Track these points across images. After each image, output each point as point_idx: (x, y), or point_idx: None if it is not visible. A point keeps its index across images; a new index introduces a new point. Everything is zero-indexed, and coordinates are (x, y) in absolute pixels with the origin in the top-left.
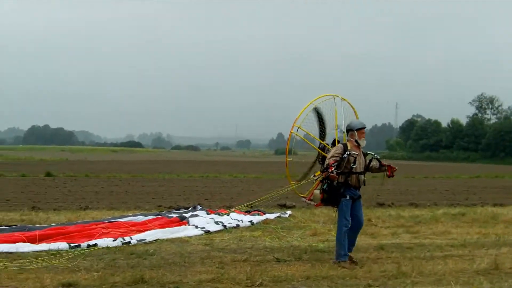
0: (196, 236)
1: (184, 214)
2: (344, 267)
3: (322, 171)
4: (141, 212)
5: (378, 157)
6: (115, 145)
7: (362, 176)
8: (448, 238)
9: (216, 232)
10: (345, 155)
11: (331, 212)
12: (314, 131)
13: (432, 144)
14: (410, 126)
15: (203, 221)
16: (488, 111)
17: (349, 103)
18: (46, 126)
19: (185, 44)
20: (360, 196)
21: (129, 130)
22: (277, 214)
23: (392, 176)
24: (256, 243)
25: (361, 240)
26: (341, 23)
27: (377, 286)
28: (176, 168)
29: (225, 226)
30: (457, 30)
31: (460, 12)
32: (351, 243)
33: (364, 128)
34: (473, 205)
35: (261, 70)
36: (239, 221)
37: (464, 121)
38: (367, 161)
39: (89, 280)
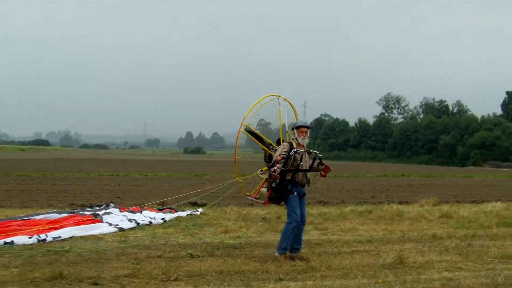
0: (110, 233)
1: (97, 212)
2: (280, 260)
3: (268, 167)
4: (55, 210)
5: (320, 155)
6: (23, 143)
7: (307, 174)
8: (355, 235)
9: (130, 229)
10: (291, 153)
11: (241, 210)
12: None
13: (340, 143)
14: (318, 125)
15: (116, 218)
16: (395, 111)
17: (290, 103)
18: None
19: (95, 42)
20: (305, 194)
21: (36, 128)
22: (189, 212)
23: (325, 176)
24: (170, 239)
25: (272, 236)
26: (242, 29)
27: (287, 280)
28: (85, 166)
29: (138, 224)
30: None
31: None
32: (298, 241)
33: (305, 126)
34: (379, 203)
35: (168, 70)
36: (151, 218)
37: (371, 120)
38: (312, 159)
39: (8, 276)
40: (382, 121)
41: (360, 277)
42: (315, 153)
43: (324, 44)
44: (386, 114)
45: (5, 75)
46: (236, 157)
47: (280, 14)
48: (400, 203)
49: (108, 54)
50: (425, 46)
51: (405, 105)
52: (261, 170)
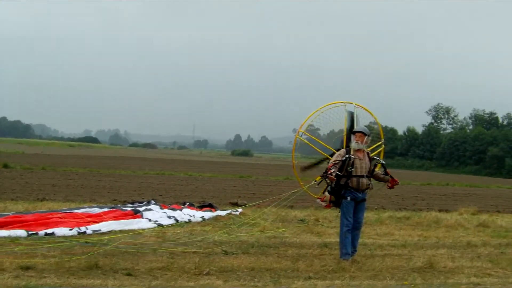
0: (149, 228)
1: (138, 208)
2: (345, 266)
3: (322, 175)
4: (96, 204)
5: (384, 163)
6: (72, 140)
7: (364, 180)
8: (390, 239)
9: (169, 225)
10: (344, 158)
11: (280, 211)
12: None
13: (387, 151)
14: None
15: (156, 215)
16: (444, 121)
17: (364, 108)
18: (3, 119)
19: (147, 43)
20: (364, 199)
21: (86, 125)
22: (228, 211)
23: (392, 188)
24: (206, 237)
25: (307, 238)
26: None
27: (316, 279)
28: (133, 164)
29: (177, 220)
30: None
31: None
32: (352, 244)
33: (360, 132)
34: (419, 210)
35: (218, 72)
36: (191, 216)
37: (420, 129)
38: (372, 166)
39: (46, 264)
40: (431, 131)
41: (388, 279)
42: (377, 159)
43: (377, 51)
44: (435, 124)
45: (60, 75)
46: (294, 161)
47: (336, 18)
48: (440, 210)
49: (160, 57)
50: (476, 57)
51: (455, 116)
52: (315, 181)
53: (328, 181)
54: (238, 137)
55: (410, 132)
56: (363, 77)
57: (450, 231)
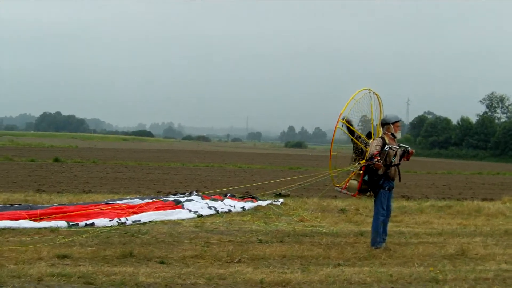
0: (188, 219)
1: (179, 199)
2: (376, 253)
3: (367, 160)
4: (138, 196)
5: (411, 150)
6: (126, 133)
7: (399, 168)
8: (428, 228)
9: (208, 216)
10: (386, 148)
11: (322, 202)
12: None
13: (441, 141)
14: (420, 122)
15: (197, 205)
16: (498, 110)
17: (378, 97)
18: (58, 113)
19: (199, 35)
20: (393, 187)
21: (140, 119)
22: (270, 201)
23: (408, 160)
24: (244, 226)
25: (345, 227)
26: (345, 22)
27: (346, 266)
28: (184, 157)
29: (217, 211)
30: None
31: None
32: (384, 231)
33: (400, 121)
34: (463, 199)
35: (272, 64)
36: (231, 206)
37: (473, 119)
38: (401, 153)
39: (83, 253)
40: (485, 120)
41: (417, 266)
42: (405, 147)
43: (431, 40)
44: (489, 113)
45: (114, 70)
46: (332, 153)
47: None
48: (483, 199)
49: (213, 50)
50: None
51: (509, 105)
52: (359, 163)
53: (372, 167)
54: (291, 128)
55: (464, 121)
56: (416, 64)
57: (490, 219)
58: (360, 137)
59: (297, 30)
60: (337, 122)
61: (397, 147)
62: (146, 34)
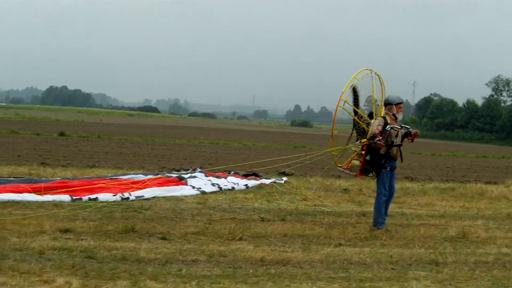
0: (191, 195)
1: (183, 175)
2: (377, 234)
3: (368, 139)
4: (141, 171)
5: (414, 130)
6: (132, 109)
7: (400, 148)
8: (431, 209)
9: (212, 193)
10: (388, 128)
11: (325, 181)
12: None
13: (447, 123)
14: (426, 104)
15: (200, 182)
16: (504, 93)
17: (379, 78)
18: (64, 87)
19: (207, 14)
20: (395, 167)
21: (146, 95)
22: (273, 180)
23: (412, 141)
24: (247, 204)
25: (347, 207)
26: (351, 7)
27: (347, 246)
28: (189, 134)
29: (220, 188)
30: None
31: None
32: (385, 212)
33: (403, 102)
34: (467, 182)
35: (279, 44)
36: (235, 184)
37: (479, 102)
38: (403, 133)
39: (85, 228)
40: (491, 103)
41: (417, 247)
42: (407, 128)
43: (437, 22)
44: (495, 96)
45: (121, 46)
46: (334, 132)
47: None
48: (487, 183)
49: (221, 29)
50: None
51: None
52: (360, 142)
53: (374, 146)
54: (298, 107)
55: (470, 104)
56: (422, 47)
57: (493, 202)
58: (362, 117)
59: (308, 13)
60: (339, 101)
61: (399, 127)
62: (153, 8)
